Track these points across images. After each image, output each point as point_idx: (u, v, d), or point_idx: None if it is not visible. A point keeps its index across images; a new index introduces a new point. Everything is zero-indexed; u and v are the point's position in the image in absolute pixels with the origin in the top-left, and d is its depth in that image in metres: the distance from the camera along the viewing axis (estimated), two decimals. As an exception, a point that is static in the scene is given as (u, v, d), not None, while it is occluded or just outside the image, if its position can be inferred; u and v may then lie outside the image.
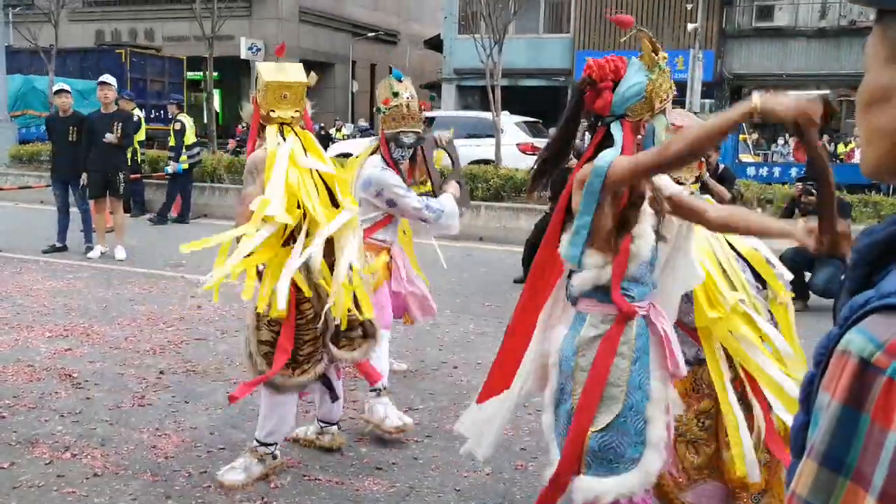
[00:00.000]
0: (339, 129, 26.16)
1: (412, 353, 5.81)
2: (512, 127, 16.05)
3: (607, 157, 2.36)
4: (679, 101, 21.21)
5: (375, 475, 3.86)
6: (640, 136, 2.45)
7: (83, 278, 8.18)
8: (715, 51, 23.15)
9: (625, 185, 2.38)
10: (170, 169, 12.35)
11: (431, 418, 4.62)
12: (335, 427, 4.16)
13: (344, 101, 31.76)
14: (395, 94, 4.39)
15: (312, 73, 3.92)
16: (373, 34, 31.44)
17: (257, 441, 3.82)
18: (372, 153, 4.53)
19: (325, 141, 24.10)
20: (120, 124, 9.35)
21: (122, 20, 29.94)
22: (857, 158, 17.61)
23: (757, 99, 2.01)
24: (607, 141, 2.44)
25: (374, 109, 4.52)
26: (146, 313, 6.77)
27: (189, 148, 12.36)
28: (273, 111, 3.77)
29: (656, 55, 2.45)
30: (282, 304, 3.46)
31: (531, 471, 3.94)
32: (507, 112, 16.39)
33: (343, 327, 3.78)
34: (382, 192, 4.31)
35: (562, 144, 2.61)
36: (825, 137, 19.96)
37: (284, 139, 3.72)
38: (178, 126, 12.28)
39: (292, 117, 3.81)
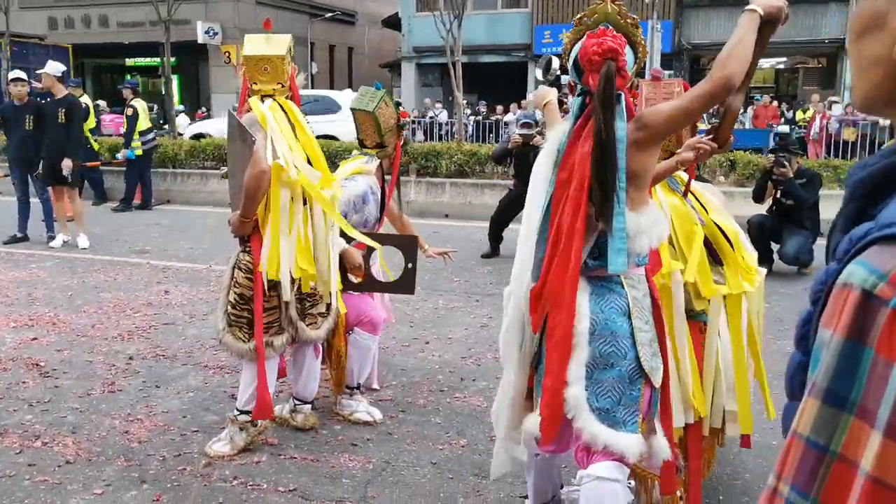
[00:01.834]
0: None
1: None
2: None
3: (622, 135, 2.42)
4: (638, 74, 21.38)
5: (350, 451, 3.88)
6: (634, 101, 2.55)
7: (46, 268, 8.05)
8: (673, 21, 23.27)
9: (686, 124, 2.60)
10: (120, 155, 12.16)
11: (405, 394, 4.64)
12: (308, 406, 4.16)
13: (303, 83, 31.41)
14: (399, 104, 4.46)
15: (282, 43, 3.85)
16: (330, 15, 31.09)
17: (238, 410, 3.84)
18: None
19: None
20: (64, 110, 9.14)
21: (74, 7, 29.24)
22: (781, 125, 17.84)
23: (756, 6, 2.33)
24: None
25: (390, 129, 4.33)
26: (112, 300, 6.69)
27: (143, 133, 12.13)
28: (255, 84, 3.81)
29: (623, 20, 2.50)
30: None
31: (505, 440, 3.97)
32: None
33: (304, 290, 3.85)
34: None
35: (611, 137, 2.43)
36: (783, 105, 20.21)
37: None
38: (129, 112, 12.05)
39: (274, 90, 3.81)
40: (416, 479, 3.61)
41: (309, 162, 3.80)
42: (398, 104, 4.45)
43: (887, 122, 16.21)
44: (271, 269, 3.66)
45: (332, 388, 4.42)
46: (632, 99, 2.59)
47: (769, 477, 0.81)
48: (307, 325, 3.88)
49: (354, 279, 4.23)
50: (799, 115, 19.14)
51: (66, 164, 9.03)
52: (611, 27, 2.46)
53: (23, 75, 9.47)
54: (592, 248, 2.49)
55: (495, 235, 8.62)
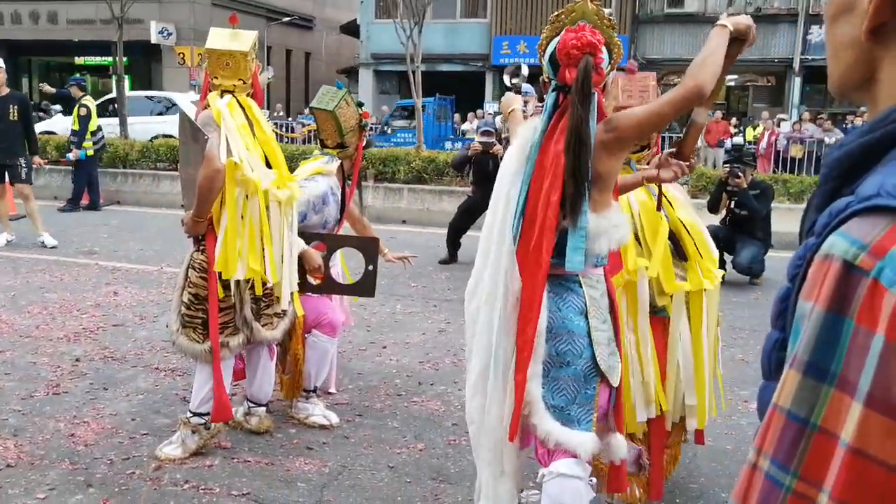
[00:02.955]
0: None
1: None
2: (189, 105, 16.00)
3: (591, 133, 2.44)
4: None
5: (306, 455, 3.79)
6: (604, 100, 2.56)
7: (-12, 268, 7.79)
8: (629, 36, 23.59)
9: (647, 134, 2.66)
10: (71, 156, 11.73)
11: (361, 398, 4.56)
12: (263, 409, 4.06)
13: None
14: (361, 105, 4.39)
15: (246, 39, 3.79)
16: (287, 19, 30.87)
17: (191, 412, 3.74)
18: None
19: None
20: (16, 107, 8.85)
21: (21, 2, 28.47)
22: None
23: (726, 22, 2.42)
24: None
25: (351, 128, 4.24)
26: (58, 301, 6.49)
27: (94, 133, 11.79)
28: (216, 78, 3.76)
29: (601, 20, 2.53)
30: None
31: (463, 445, 3.93)
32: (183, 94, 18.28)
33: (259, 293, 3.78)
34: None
35: (587, 130, 2.42)
36: (734, 120, 20.62)
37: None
38: (83, 111, 11.66)
39: (234, 85, 3.75)
40: (373, 482, 3.54)
41: (267, 161, 3.73)
42: (360, 104, 4.39)
43: (832, 140, 16.64)
44: (226, 268, 3.58)
45: (284, 393, 4.33)
46: (603, 99, 2.60)
47: (749, 452, 0.80)
48: (263, 326, 3.80)
49: (314, 281, 4.16)
50: (749, 133, 19.51)
51: (38, 162, 8.81)
52: (588, 25, 2.47)
53: None
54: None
55: (453, 242, 8.59)
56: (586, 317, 2.51)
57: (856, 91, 0.89)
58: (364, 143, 4.40)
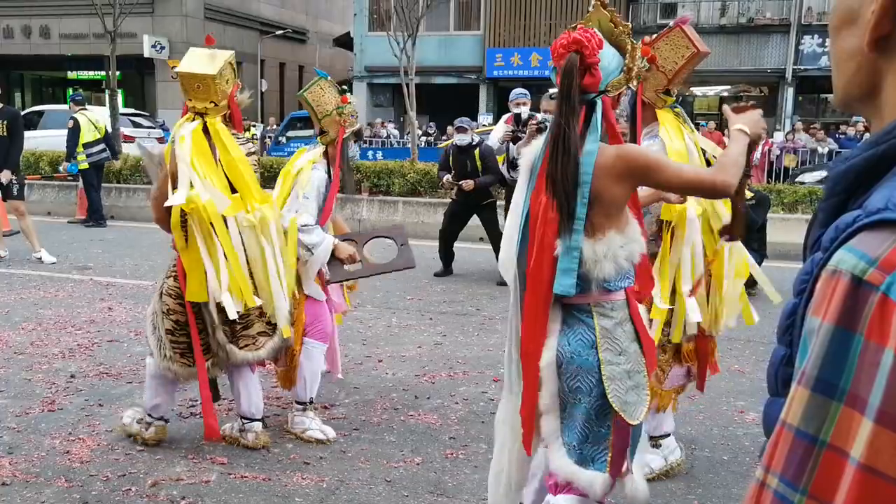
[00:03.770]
0: (248, 129, 25.62)
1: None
2: (108, 118, 15.95)
3: (592, 149, 2.31)
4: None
5: (303, 470, 3.77)
6: (617, 111, 2.46)
7: (-19, 284, 7.76)
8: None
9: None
10: (61, 168, 11.82)
11: (358, 412, 4.55)
12: (258, 424, 4.04)
13: (253, 101, 31.21)
14: (345, 91, 4.37)
15: (217, 61, 3.77)
16: (281, 32, 30.94)
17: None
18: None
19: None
20: (5, 122, 8.83)
21: (14, 16, 28.50)
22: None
23: (747, 129, 2.54)
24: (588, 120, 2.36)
25: (327, 113, 4.24)
26: (53, 317, 6.46)
27: (88, 146, 11.69)
28: (189, 100, 3.78)
29: (616, 27, 2.41)
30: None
31: (461, 459, 3.92)
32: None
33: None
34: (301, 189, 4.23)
35: (568, 135, 2.33)
36: (727, 131, 20.69)
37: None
38: (71, 124, 11.66)
39: (206, 108, 3.75)
40: (370, 497, 3.52)
41: (234, 187, 3.75)
42: (342, 90, 4.35)
43: (825, 150, 16.70)
44: (193, 293, 3.71)
45: (280, 383, 4.40)
46: (617, 110, 2.53)
47: (757, 469, 0.79)
48: (241, 348, 3.86)
49: (352, 268, 4.32)
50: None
51: (6, 176, 8.73)
52: (590, 28, 2.37)
53: None
54: None
55: (446, 252, 8.56)
56: (597, 350, 2.38)
57: (860, 103, 0.88)
58: (347, 127, 4.26)
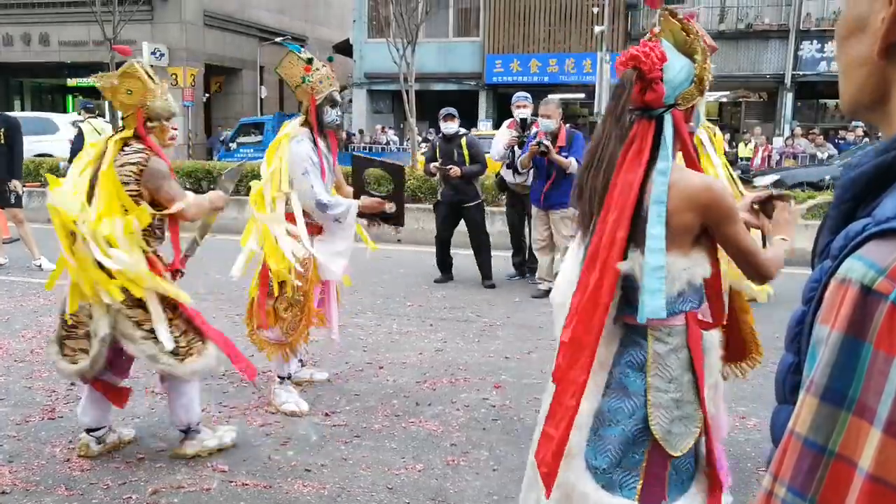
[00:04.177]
0: (247, 135, 25.64)
1: (336, 355, 5.71)
2: (68, 126, 16.09)
3: (664, 167, 2.18)
4: (587, 103, 21.74)
5: (304, 478, 3.76)
6: (690, 124, 2.31)
7: (-19, 291, 7.75)
8: (621, 53, 23.71)
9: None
10: (62, 168, 11.89)
11: (359, 419, 4.54)
12: (190, 434, 3.96)
13: (252, 107, 31.20)
14: (310, 60, 4.52)
15: (130, 70, 3.73)
16: (280, 39, 31.00)
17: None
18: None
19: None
20: (4, 131, 8.82)
21: (13, 24, 28.55)
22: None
23: (789, 239, 2.47)
24: (657, 137, 2.23)
25: (297, 84, 4.53)
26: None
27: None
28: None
29: (688, 35, 2.26)
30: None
31: (462, 466, 3.91)
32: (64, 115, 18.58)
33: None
34: (295, 167, 4.41)
35: (606, 149, 2.26)
36: (727, 136, 20.71)
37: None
38: (76, 131, 11.68)
39: (124, 117, 3.83)
40: (372, 505, 3.51)
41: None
42: (310, 59, 4.52)
43: (825, 156, 16.72)
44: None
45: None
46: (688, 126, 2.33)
47: (765, 478, 0.79)
48: (63, 357, 3.83)
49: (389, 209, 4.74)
50: (742, 149, 19.55)
51: (17, 185, 8.74)
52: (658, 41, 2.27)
53: None
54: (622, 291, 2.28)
55: (443, 258, 8.53)
56: (645, 374, 2.25)
57: (869, 111, 0.88)
58: (319, 98, 4.50)
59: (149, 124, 3.77)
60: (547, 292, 7.68)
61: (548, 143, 7.31)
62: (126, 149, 3.71)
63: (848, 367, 0.72)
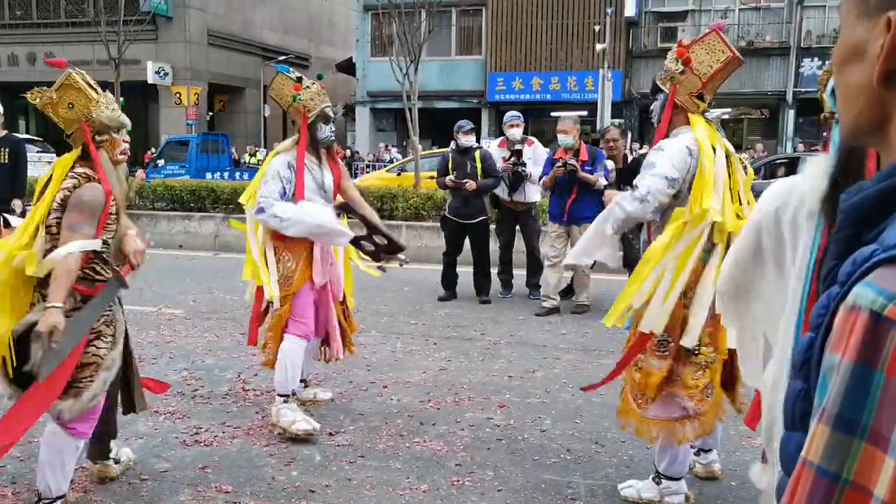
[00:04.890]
0: (252, 154, 25.75)
1: (340, 374, 5.69)
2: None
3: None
4: (589, 121, 21.81)
5: (309, 498, 3.74)
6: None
7: (-15, 310, 7.73)
8: (623, 71, 23.83)
9: None
10: None
11: (363, 439, 4.52)
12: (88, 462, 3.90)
13: (256, 126, 31.35)
14: (300, 79, 4.57)
15: (68, 80, 3.49)
16: (283, 58, 31.16)
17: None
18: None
19: (235, 166, 23.84)
20: (8, 150, 8.83)
21: (18, 43, 28.79)
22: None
23: None
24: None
25: (288, 104, 4.60)
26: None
27: None
28: None
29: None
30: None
31: (467, 486, 3.89)
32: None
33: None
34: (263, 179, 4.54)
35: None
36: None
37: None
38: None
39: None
40: (377, 527, 3.49)
41: None
42: (299, 78, 4.58)
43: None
44: None
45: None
46: None
47: None
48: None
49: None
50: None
51: (18, 205, 8.74)
52: None
53: None
54: None
55: (447, 276, 8.53)
56: None
57: (869, 136, 0.88)
58: (311, 116, 4.51)
59: (97, 138, 3.46)
60: (551, 310, 7.71)
61: (574, 162, 7.36)
62: (70, 172, 3.42)
63: (860, 395, 0.72)
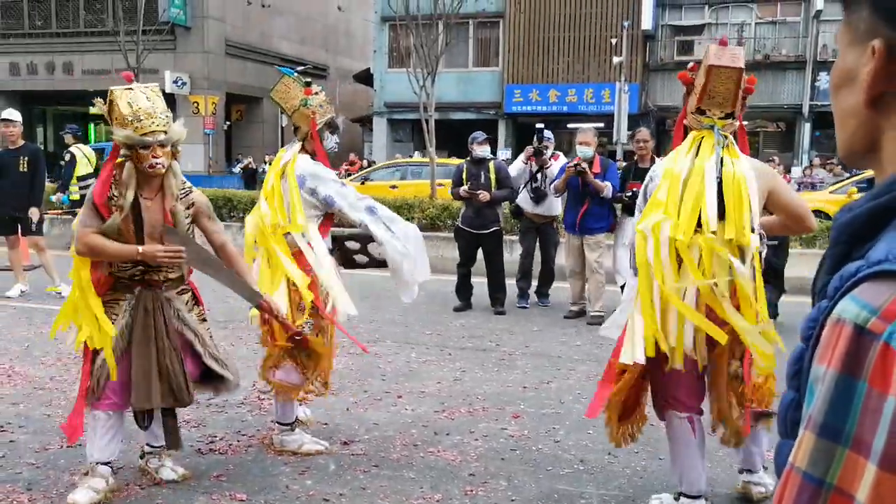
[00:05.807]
0: (270, 164, 25.86)
1: (355, 383, 5.69)
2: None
3: None
4: (605, 133, 21.82)
5: (323, 508, 3.74)
6: None
7: (2, 318, 7.80)
8: (640, 84, 23.81)
9: None
10: (54, 199, 12.05)
11: (377, 448, 4.51)
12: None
13: (273, 136, 31.51)
14: (309, 83, 4.38)
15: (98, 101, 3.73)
16: (301, 68, 31.35)
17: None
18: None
19: (252, 177, 23.83)
20: (27, 159, 8.91)
21: (38, 52, 29.06)
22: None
23: None
24: None
25: (295, 108, 4.32)
26: (73, 352, 6.47)
27: (81, 179, 11.79)
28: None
29: None
30: None
31: (480, 496, 3.88)
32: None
33: None
34: (318, 188, 4.20)
35: None
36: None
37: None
38: (67, 157, 11.86)
39: None
40: (390, 537, 3.48)
41: None
42: (308, 83, 4.38)
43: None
44: None
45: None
46: None
47: None
48: None
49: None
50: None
51: (35, 213, 8.82)
52: None
53: (12, 116, 9.07)
54: None
55: (462, 287, 8.51)
56: None
57: (862, 157, 0.93)
58: (319, 123, 4.33)
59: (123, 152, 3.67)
60: (578, 313, 7.91)
61: (584, 164, 7.50)
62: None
63: (844, 404, 0.75)
